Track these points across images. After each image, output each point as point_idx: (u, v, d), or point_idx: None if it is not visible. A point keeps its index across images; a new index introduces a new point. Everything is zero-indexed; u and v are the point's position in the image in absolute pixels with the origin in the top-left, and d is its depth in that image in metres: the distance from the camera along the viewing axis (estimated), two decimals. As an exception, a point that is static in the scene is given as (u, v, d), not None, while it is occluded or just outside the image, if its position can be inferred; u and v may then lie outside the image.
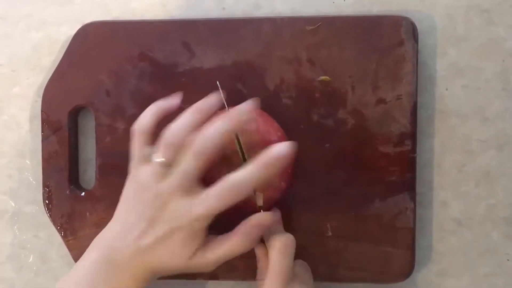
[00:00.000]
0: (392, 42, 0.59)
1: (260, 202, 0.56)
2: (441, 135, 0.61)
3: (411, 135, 0.59)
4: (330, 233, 0.61)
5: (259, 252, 0.57)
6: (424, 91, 0.61)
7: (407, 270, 0.60)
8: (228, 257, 0.53)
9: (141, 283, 0.53)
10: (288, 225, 0.60)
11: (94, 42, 0.62)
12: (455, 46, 0.60)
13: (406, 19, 0.59)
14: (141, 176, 0.53)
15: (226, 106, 0.57)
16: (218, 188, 0.50)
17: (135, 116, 0.61)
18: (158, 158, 0.52)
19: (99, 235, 0.55)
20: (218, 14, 0.63)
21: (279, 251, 0.53)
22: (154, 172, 0.52)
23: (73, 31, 0.62)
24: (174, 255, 0.52)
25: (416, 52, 0.59)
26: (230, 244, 0.53)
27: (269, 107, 0.60)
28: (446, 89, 0.61)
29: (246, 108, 0.53)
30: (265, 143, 0.54)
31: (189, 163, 0.51)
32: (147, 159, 0.54)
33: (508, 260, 0.61)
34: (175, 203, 0.51)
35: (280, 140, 0.56)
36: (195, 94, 0.61)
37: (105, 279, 0.52)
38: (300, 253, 0.61)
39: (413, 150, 0.59)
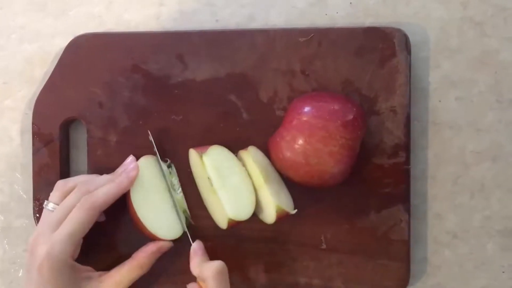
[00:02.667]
0: (385, 54, 0.59)
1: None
2: (435, 147, 0.61)
3: (405, 147, 0.59)
4: (324, 246, 0.60)
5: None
6: (417, 103, 0.61)
7: (402, 283, 0.59)
8: (128, 281, 0.56)
9: None
10: (282, 238, 0.60)
11: (87, 54, 0.62)
12: (448, 58, 0.61)
13: (399, 31, 0.59)
14: None
15: (157, 155, 0.60)
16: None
17: (128, 129, 0.62)
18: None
19: None
20: (212, 26, 0.63)
21: (214, 279, 0.53)
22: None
23: (65, 43, 0.62)
24: None
25: (409, 64, 0.59)
26: (128, 268, 0.56)
27: (262, 119, 0.60)
28: (440, 101, 0.61)
29: (131, 174, 0.58)
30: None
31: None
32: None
33: (503, 272, 0.61)
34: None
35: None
36: (189, 106, 0.61)
37: None
38: (294, 267, 0.60)
39: (407, 161, 0.59)
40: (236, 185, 0.58)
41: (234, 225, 0.57)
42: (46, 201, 0.58)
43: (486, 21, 0.60)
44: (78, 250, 0.57)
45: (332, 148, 0.53)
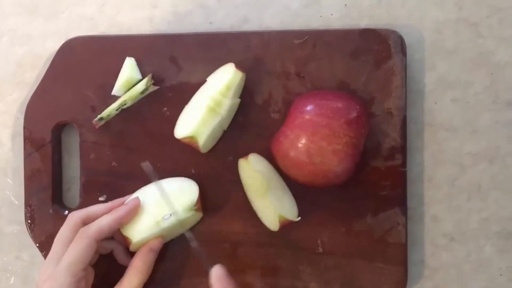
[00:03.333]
0: (381, 56, 0.59)
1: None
2: (431, 149, 0.61)
3: (401, 149, 0.59)
4: (321, 250, 0.59)
5: None
6: (413, 105, 0.60)
7: (400, 286, 0.59)
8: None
9: None
10: (278, 242, 0.59)
11: (79, 57, 0.61)
12: (443, 59, 0.60)
13: (394, 32, 0.59)
14: None
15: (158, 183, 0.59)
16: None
17: (121, 133, 0.61)
18: None
19: None
20: (206, 28, 0.62)
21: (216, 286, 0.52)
22: None
23: (58, 46, 0.61)
24: None
25: (404, 65, 0.59)
26: (128, 277, 0.56)
27: (257, 122, 0.60)
28: (435, 103, 0.60)
29: (131, 207, 0.58)
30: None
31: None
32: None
33: (501, 275, 0.60)
34: None
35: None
36: (182, 109, 0.60)
37: None
38: (290, 271, 0.59)
39: (404, 164, 0.59)
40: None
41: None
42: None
43: (481, 22, 0.60)
44: (86, 282, 0.56)
45: (336, 146, 0.53)
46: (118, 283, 0.56)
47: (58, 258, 0.55)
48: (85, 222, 0.56)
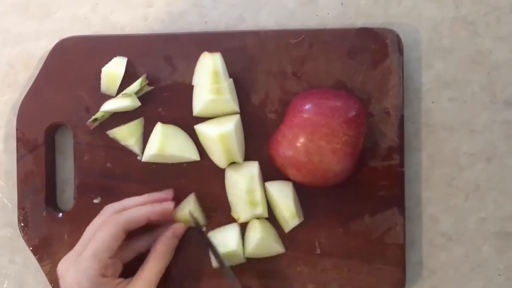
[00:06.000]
0: (378, 55, 0.58)
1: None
2: (429, 148, 0.60)
3: (399, 149, 0.58)
4: (318, 251, 0.59)
5: None
6: (410, 104, 0.60)
7: (398, 287, 0.58)
8: (155, 275, 0.55)
9: None
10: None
11: (72, 57, 0.60)
12: (440, 58, 0.60)
13: (391, 31, 0.58)
14: None
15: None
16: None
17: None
18: None
19: None
20: (201, 28, 0.62)
21: None
22: None
23: (50, 46, 0.61)
24: None
25: (401, 64, 0.58)
26: (151, 262, 0.55)
27: (254, 122, 0.59)
28: (433, 102, 0.60)
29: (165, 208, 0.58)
30: None
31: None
32: None
33: (499, 275, 0.60)
34: None
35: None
36: (178, 110, 0.59)
37: None
38: (288, 272, 0.59)
39: (401, 164, 0.58)
40: None
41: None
42: None
43: (478, 21, 0.60)
44: (114, 270, 0.55)
45: (335, 146, 0.52)
46: (140, 268, 0.55)
47: (85, 247, 0.54)
48: (116, 210, 0.56)
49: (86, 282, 0.52)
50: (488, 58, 0.59)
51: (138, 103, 0.59)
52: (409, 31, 0.60)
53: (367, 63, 0.59)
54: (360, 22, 0.61)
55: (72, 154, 0.61)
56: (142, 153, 0.60)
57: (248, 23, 0.61)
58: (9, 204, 0.63)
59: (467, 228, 0.60)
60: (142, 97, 0.60)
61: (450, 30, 0.60)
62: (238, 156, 0.57)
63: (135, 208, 0.56)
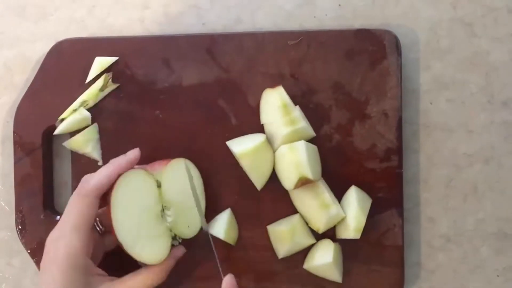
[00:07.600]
0: (376, 56, 0.58)
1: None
2: (427, 149, 0.60)
3: (397, 150, 0.58)
4: (317, 253, 0.59)
5: None
6: (408, 106, 0.60)
7: (397, 289, 0.59)
8: (142, 287, 0.54)
9: None
10: (273, 246, 0.59)
11: (69, 59, 0.60)
12: (438, 59, 0.60)
13: (389, 33, 0.58)
14: None
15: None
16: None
17: (113, 136, 0.60)
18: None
19: None
20: (198, 30, 0.61)
21: None
22: None
23: (47, 49, 0.60)
24: None
25: (400, 66, 0.58)
26: (143, 277, 0.54)
27: (251, 124, 0.59)
28: (431, 103, 0.60)
29: (130, 157, 0.55)
30: None
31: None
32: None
33: (498, 276, 0.60)
34: None
35: None
36: (175, 112, 0.59)
37: None
38: (286, 274, 0.59)
39: (400, 165, 0.58)
40: None
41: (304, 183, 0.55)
42: None
43: (476, 22, 0.59)
44: (95, 251, 0.55)
45: None
46: (130, 275, 0.55)
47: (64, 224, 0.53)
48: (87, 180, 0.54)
49: (68, 259, 0.51)
50: (486, 59, 0.59)
51: (87, 115, 0.59)
52: (407, 32, 0.60)
53: (365, 64, 0.58)
54: (358, 23, 0.60)
55: (70, 157, 0.61)
56: (102, 158, 0.60)
57: (246, 25, 0.61)
58: (6, 207, 0.63)
59: (466, 229, 0.60)
60: (139, 99, 0.59)
61: (448, 31, 0.60)
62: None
63: (102, 168, 0.54)
